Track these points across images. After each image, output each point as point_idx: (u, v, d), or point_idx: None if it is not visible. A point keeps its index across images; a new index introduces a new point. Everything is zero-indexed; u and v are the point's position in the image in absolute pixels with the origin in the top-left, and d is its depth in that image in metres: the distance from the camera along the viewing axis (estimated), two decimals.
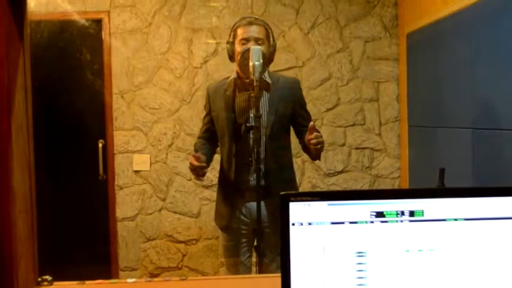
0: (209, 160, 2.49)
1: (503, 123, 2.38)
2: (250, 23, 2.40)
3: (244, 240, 2.54)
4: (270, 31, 2.42)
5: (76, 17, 3.75)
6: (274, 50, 2.41)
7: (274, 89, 2.42)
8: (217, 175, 2.65)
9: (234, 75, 2.46)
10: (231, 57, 2.45)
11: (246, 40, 2.36)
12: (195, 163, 2.29)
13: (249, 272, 2.64)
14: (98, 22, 3.79)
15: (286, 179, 2.53)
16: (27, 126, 1.30)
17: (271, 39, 2.42)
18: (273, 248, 2.39)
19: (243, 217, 2.48)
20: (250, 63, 2.13)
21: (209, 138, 2.57)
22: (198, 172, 2.32)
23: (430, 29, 3.20)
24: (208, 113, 2.56)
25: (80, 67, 3.82)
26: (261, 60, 2.14)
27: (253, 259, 2.65)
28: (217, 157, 2.64)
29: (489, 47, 2.49)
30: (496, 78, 2.43)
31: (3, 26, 1.16)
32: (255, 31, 2.38)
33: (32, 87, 1.32)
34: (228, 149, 2.45)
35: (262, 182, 2.37)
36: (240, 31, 2.40)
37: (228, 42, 2.44)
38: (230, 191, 2.51)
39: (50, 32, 3.76)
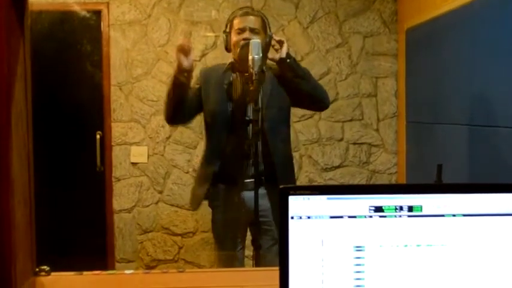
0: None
1: (500, 121, 2.39)
2: (247, 13, 2.41)
3: (237, 233, 2.55)
4: (266, 22, 2.42)
5: (76, 8, 3.74)
6: (270, 41, 2.40)
7: (267, 81, 2.41)
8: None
9: (228, 64, 2.47)
10: (227, 48, 2.46)
11: (242, 30, 2.37)
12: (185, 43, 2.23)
13: (243, 265, 2.66)
14: (98, 13, 3.78)
15: (286, 170, 2.54)
16: (27, 116, 1.29)
17: (268, 30, 2.42)
18: (269, 238, 2.41)
19: (237, 208, 2.48)
20: (250, 57, 2.12)
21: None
22: (185, 57, 2.24)
23: (430, 25, 3.20)
24: (198, 94, 2.52)
25: (80, 58, 3.81)
26: (261, 54, 2.13)
27: (248, 252, 2.67)
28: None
29: (488, 44, 2.49)
30: (494, 75, 2.44)
31: (4, 16, 1.15)
32: (251, 21, 2.38)
33: (32, 77, 1.31)
34: (217, 139, 2.46)
35: (262, 176, 2.39)
36: (236, 21, 2.40)
37: (224, 32, 2.44)
38: (222, 180, 2.50)
39: (51, 22, 3.75)
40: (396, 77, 3.91)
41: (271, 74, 2.41)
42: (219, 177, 2.51)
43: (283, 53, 2.29)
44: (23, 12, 1.26)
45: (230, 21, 2.43)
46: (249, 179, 2.37)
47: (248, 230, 2.55)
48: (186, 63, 2.25)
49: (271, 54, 2.30)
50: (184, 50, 2.23)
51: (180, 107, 2.42)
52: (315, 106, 2.60)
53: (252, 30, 2.35)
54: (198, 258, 3.89)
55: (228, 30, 2.43)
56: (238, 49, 2.32)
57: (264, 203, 2.43)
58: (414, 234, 1.02)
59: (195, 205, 2.62)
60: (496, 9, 2.42)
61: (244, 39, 2.31)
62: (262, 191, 2.42)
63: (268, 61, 2.35)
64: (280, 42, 2.31)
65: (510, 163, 2.31)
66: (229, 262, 2.57)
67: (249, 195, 2.35)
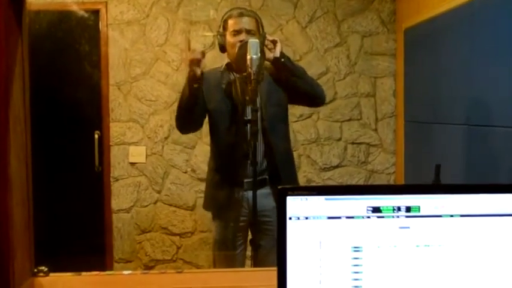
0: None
1: (498, 120, 2.39)
2: (241, 14, 2.40)
3: (239, 233, 2.54)
4: (260, 22, 2.42)
5: (74, 8, 3.73)
6: (264, 41, 2.39)
7: (264, 80, 2.41)
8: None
9: (224, 65, 2.47)
10: (222, 49, 2.45)
11: (238, 32, 2.36)
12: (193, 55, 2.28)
13: (243, 266, 2.64)
14: (96, 13, 3.78)
15: (289, 168, 2.54)
16: (25, 116, 1.29)
17: (261, 30, 2.42)
18: (270, 239, 2.40)
19: (240, 207, 2.47)
20: (248, 57, 2.12)
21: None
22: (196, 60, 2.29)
23: (428, 25, 3.21)
24: (201, 96, 2.52)
25: (78, 58, 3.80)
26: (259, 54, 2.13)
27: (248, 252, 2.66)
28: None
29: (486, 44, 2.49)
30: (492, 75, 2.44)
31: (2, 16, 1.15)
32: (246, 22, 2.38)
33: (30, 77, 1.31)
34: (224, 140, 2.45)
35: (265, 175, 2.39)
36: (231, 22, 2.40)
37: (218, 34, 2.44)
38: (226, 180, 2.50)
39: (49, 22, 3.75)
40: (394, 76, 3.91)
41: (267, 73, 2.41)
42: (221, 173, 2.52)
43: (277, 52, 2.30)
44: (21, 12, 1.26)
45: (224, 22, 2.43)
46: (250, 178, 2.37)
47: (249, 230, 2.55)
48: (199, 72, 2.29)
49: (266, 54, 2.30)
50: (197, 61, 2.27)
51: (193, 115, 2.45)
52: (311, 102, 2.61)
53: (248, 32, 2.35)
54: (197, 258, 3.89)
55: (222, 31, 2.43)
56: (236, 50, 2.32)
57: (269, 202, 2.42)
58: (412, 234, 1.02)
59: (214, 210, 2.60)
60: (495, 9, 2.42)
61: (240, 41, 2.31)
62: (267, 190, 2.42)
63: None
64: (274, 42, 2.31)
65: (508, 163, 2.31)
66: (229, 263, 2.56)
67: (251, 195, 2.34)
